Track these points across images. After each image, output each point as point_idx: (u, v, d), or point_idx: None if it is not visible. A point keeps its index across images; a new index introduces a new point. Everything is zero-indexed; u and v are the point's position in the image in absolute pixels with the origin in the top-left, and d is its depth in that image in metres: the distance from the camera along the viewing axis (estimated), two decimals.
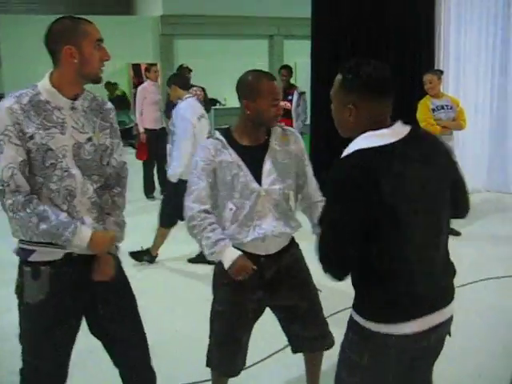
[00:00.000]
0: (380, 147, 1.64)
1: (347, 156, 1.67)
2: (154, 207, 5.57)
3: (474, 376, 3.06)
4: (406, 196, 1.62)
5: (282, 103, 6.88)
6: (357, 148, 1.66)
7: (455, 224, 4.46)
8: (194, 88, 6.29)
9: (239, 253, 2.25)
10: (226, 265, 2.23)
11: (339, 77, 1.74)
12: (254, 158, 2.30)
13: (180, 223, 3.98)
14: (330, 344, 2.57)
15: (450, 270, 1.83)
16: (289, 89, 7.10)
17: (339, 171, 1.65)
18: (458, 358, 3.04)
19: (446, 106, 5.57)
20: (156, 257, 4.91)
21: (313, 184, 2.51)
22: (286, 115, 6.61)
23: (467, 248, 4.99)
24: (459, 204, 1.87)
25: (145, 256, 4.84)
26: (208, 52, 12.71)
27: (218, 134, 2.37)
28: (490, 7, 7.15)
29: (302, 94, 7.02)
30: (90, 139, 2.07)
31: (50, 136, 1.97)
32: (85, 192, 2.06)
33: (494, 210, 6.46)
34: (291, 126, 6.69)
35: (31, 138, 1.93)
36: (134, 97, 8.24)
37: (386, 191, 1.58)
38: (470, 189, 1.92)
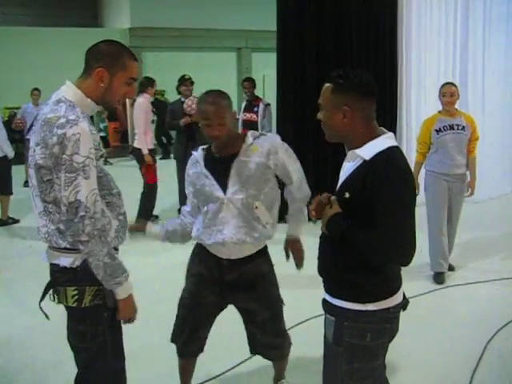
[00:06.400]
0: (397, 147, 1.88)
1: (387, 150, 1.82)
2: None
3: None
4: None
5: (248, 115, 7.17)
6: (388, 145, 1.84)
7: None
8: (191, 98, 6.32)
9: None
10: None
11: (328, 85, 1.87)
12: (222, 168, 2.39)
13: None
14: (283, 356, 2.76)
15: None
16: (254, 100, 7.25)
17: (395, 160, 1.81)
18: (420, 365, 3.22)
19: (457, 125, 4.47)
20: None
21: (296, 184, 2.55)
22: (252, 127, 6.71)
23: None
24: None
25: None
26: (176, 65, 12.77)
27: (198, 149, 2.56)
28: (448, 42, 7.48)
29: (267, 105, 7.15)
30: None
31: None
32: None
33: None
34: None
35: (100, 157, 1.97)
36: None
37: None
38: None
